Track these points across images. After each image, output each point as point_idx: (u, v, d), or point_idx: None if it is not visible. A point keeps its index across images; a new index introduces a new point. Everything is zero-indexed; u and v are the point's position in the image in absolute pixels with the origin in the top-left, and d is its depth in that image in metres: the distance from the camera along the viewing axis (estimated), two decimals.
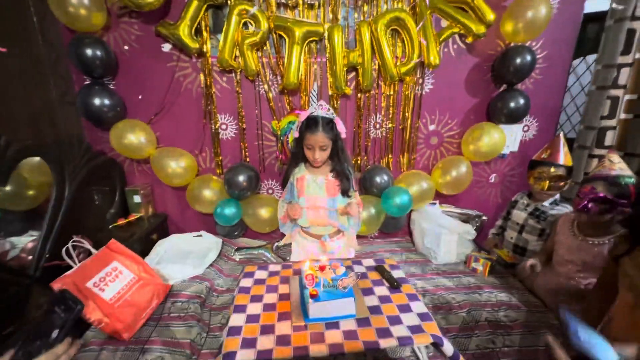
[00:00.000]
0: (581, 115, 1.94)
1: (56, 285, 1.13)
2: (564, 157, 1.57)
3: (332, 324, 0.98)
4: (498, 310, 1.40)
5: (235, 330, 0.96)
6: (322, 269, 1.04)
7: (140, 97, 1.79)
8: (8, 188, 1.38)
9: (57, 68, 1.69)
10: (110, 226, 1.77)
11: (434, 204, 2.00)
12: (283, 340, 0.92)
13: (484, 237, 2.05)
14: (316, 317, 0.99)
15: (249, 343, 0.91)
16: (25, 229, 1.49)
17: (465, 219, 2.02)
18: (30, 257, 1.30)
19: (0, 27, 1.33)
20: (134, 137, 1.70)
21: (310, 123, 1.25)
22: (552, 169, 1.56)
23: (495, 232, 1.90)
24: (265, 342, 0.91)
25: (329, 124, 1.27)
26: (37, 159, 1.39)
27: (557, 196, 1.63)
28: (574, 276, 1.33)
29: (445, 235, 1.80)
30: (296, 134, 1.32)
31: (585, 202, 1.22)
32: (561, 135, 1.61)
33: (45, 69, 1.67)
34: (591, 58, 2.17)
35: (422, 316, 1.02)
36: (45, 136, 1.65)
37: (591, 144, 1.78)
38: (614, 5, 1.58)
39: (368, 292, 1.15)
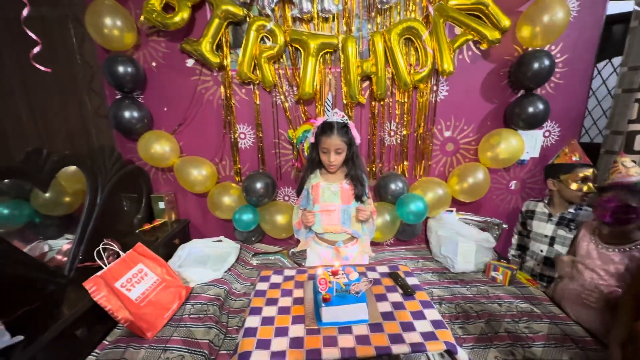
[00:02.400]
0: (607, 119, 1.87)
1: (88, 284, 1.21)
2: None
3: (345, 328, 0.99)
4: (519, 321, 1.35)
5: (250, 332, 1.00)
6: (334, 273, 1.07)
7: (165, 109, 1.91)
8: (47, 195, 1.50)
9: (92, 85, 1.85)
10: (137, 230, 1.87)
11: (451, 211, 1.98)
12: (296, 342, 0.94)
13: (504, 246, 1.98)
14: (329, 321, 1.01)
15: (264, 344, 0.94)
16: (62, 233, 1.62)
17: (485, 227, 1.98)
18: (65, 259, 1.41)
19: (46, 49, 1.47)
20: (159, 147, 1.81)
21: (326, 127, 1.30)
22: (593, 170, 1.50)
23: (515, 253, 1.84)
24: (279, 344, 0.94)
25: (344, 128, 1.31)
26: (73, 167, 1.52)
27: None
28: (596, 284, 1.27)
29: (462, 243, 1.77)
30: (312, 139, 1.37)
31: (610, 212, 1.17)
32: (574, 141, 1.58)
33: (82, 86, 1.83)
34: (617, 60, 2.09)
35: (436, 323, 1.01)
36: (81, 147, 1.80)
37: (619, 149, 1.71)
38: (636, 7, 1.53)
39: (381, 298, 1.16)
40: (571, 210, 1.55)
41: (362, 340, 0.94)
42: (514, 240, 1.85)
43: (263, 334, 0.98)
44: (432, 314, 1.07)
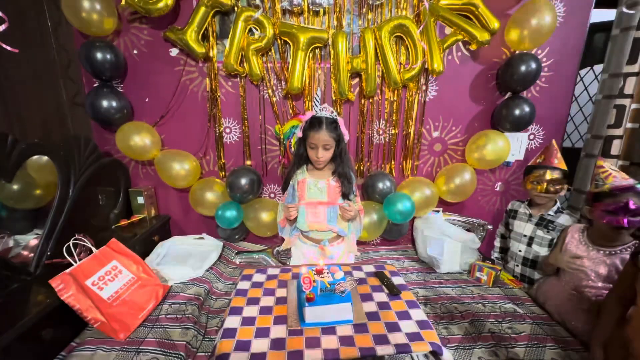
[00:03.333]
0: (588, 124, 1.91)
1: (55, 282, 1.13)
2: (558, 161, 1.54)
3: (329, 329, 0.96)
4: (502, 322, 1.35)
5: (229, 333, 0.95)
6: (319, 272, 1.03)
7: (147, 100, 1.83)
8: (15, 187, 1.40)
9: (68, 71, 1.74)
10: (114, 226, 1.78)
11: (437, 211, 1.98)
12: (278, 344, 0.90)
13: (488, 247, 2.00)
14: (312, 321, 0.97)
15: (243, 346, 0.90)
16: (31, 227, 1.52)
17: (470, 228, 1.99)
18: (31, 255, 1.31)
19: (17, 31, 1.37)
20: (139, 139, 1.73)
21: (314, 122, 1.27)
22: (548, 172, 1.53)
23: (498, 255, 1.86)
24: (260, 346, 0.90)
25: (333, 123, 1.28)
26: (45, 158, 1.42)
27: (558, 203, 1.59)
28: (584, 287, 1.29)
29: (448, 243, 1.77)
30: (299, 134, 1.33)
31: (626, 217, 1.16)
32: (553, 141, 1.59)
33: (57, 72, 1.73)
34: (598, 68, 2.15)
35: (422, 324, 0.99)
36: (54, 136, 1.69)
37: (598, 153, 1.75)
38: (624, 9, 1.56)
39: (367, 297, 1.13)
40: (551, 212, 1.58)
41: (346, 341, 0.91)
42: (497, 243, 1.87)
43: (243, 335, 0.94)
44: (418, 314, 1.05)
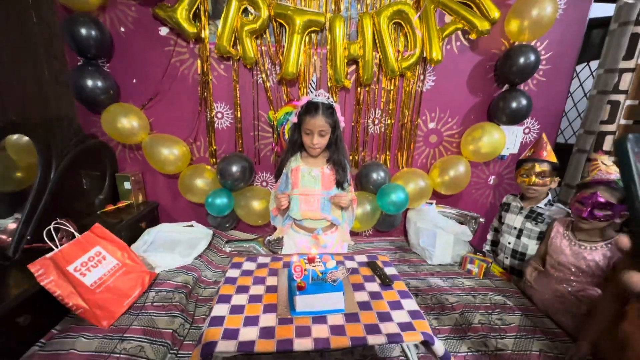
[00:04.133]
0: (582, 120, 1.92)
1: (34, 267, 1.08)
2: (547, 154, 1.54)
3: (319, 318, 0.94)
4: (492, 313, 1.36)
5: (217, 321, 0.92)
6: (311, 260, 1.01)
7: (135, 80, 1.75)
8: None
9: (50, 47, 1.65)
10: (99, 212, 1.72)
11: (431, 203, 1.97)
12: (267, 332, 0.88)
13: (479, 239, 2.01)
14: (303, 310, 0.95)
15: (231, 334, 0.87)
16: (12, 211, 1.45)
17: (462, 220, 1.99)
18: (9, 239, 1.25)
19: None
20: (126, 122, 1.66)
21: (310, 107, 1.23)
22: (537, 165, 1.53)
23: (489, 248, 1.86)
24: (248, 334, 0.87)
25: (329, 109, 1.25)
26: (25, 139, 1.35)
27: (550, 197, 1.59)
28: (568, 281, 1.30)
29: (441, 235, 1.77)
30: (294, 120, 1.29)
31: (589, 208, 1.18)
32: (543, 135, 1.59)
33: (39, 48, 1.63)
34: (595, 64, 2.15)
35: (413, 314, 0.98)
36: (35, 116, 1.60)
37: (590, 149, 1.75)
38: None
39: (359, 287, 1.11)
40: (541, 205, 1.58)
41: (337, 330, 0.89)
42: (489, 236, 1.87)
43: (231, 323, 0.91)
44: (410, 304, 1.03)
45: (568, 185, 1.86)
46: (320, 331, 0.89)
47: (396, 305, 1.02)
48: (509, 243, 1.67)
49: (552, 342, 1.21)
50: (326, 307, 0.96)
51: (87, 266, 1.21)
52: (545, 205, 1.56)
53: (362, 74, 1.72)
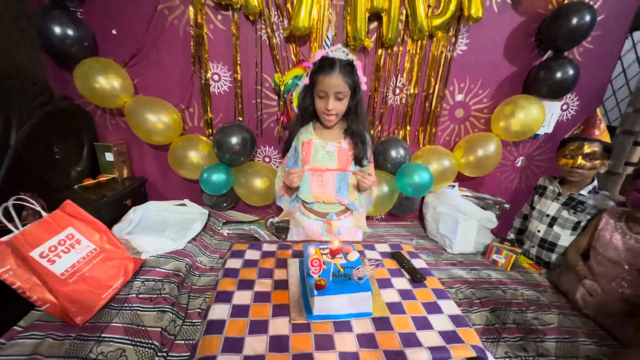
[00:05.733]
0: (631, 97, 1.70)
1: None
2: (600, 132, 1.32)
3: (343, 324, 0.76)
4: (526, 311, 1.20)
5: (215, 326, 0.73)
6: (334, 253, 0.81)
7: (114, 31, 1.47)
8: None
9: None
10: (76, 186, 1.49)
11: (453, 186, 1.77)
12: (279, 343, 0.69)
13: (501, 228, 1.84)
14: (322, 313, 0.76)
15: (234, 345, 0.68)
16: None
17: (484, 206, 1.80)
18: None
19: None
20: (104, 81, 1.39)
21: (325, 63, 0.99)
22: (586, 145, 1.31)
23: (514, 237, 1.68)
24: (256, 345, 0.69)
25: (348, 66, 1.00)
26: None
27: (595, 183, 1.40)
28: (618, 280, 1.14)
29: (463, 222, 1.59)
30: (306, 81, 1.05)
31: None
32: (598, 110, 1.36)
33: None
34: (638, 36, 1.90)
35: (456, 320, 0.80)
36: None
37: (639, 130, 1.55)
38: None
39: (385, 284, 0.93)
40: (583, 192, 1.38)
41: (367, 341, 0.71)
42: (516, 223, 1.70)
43: (233, 330, 0.72)
44: (449, 306, 0.85)
45: (609, 172, 1.67)
46: (345, 342, 0.71)
47: (433, 308, 0.84)
48: (539, 231, 1.50)
49: (598, 346, 1.06)
50: (350, 310, 0.78)
51: (57, 251, 1.00)
52: (589, 192, 1.37)
53: (385, 32, 1.45)
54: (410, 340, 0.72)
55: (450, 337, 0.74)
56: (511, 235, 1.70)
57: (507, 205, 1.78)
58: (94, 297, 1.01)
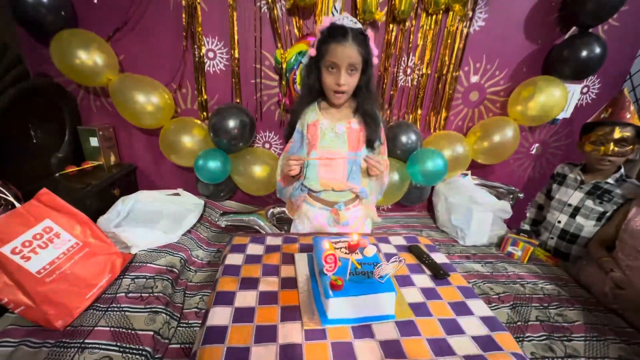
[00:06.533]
0: None
1: None
2: (631, 115, 1.20)
3: (363, 329, 0.66)
4: (548, 307, 1.12)
5: (215, 334, 0.63)
6: (352, 249, 0.70)
7: (96, 0, 1.31)
8: None
9: None
10: (57, 174, 1.36)
11: (466, 174, 1.67)
12: (291, 354, 0.59)
13: (514, 218, 1.75)
14: (338, 317, 0.67)
15: (238, 357, 0.58)
16: None
17: (496, 195, 1.71)
18: None
19: None
20: (86, 56, 1.25)
21: (337, 31, 0.87)
22: (617, 129, 1.20)
23: (528, 228, 1.59)
24: (264, 357, 0.58)
25: (361, 35, 0.88)
26: None
27: (622, 170, 1.31)
28: None
29: (477, 212, 1.49)
30: (312, 52, 0.92)
31: None
32: (625, 90, 1.24)
33: None
34: None
35: (490, 323, 0.71)
36: None
37: None
38: None
39: (405, 282, 0.84)
40: (610, 180, 1.29)
41: (392, 349, 0.62)
42: (530, 214, 1.61)
43: (237, 339, 0.62)
44: (480, 307, 0.77)
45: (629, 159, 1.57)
46: (368, 351, 0.61)
47: (462, 309, 0.75)
48: (559, 222, 1.41)
49: (628, 345, 0.99)
50: (371, 313, 0.68)
51: (32, 247, 0.88)
52: (616, 181, 1.28)
53: (398, 3, 1.32)
54: (442, 348, 0.63)
55: (486, 344, 0.65)
56: (525, 226, 1.61)
57: (521, 195, 1.69)
58: (76, 298, 0.89)
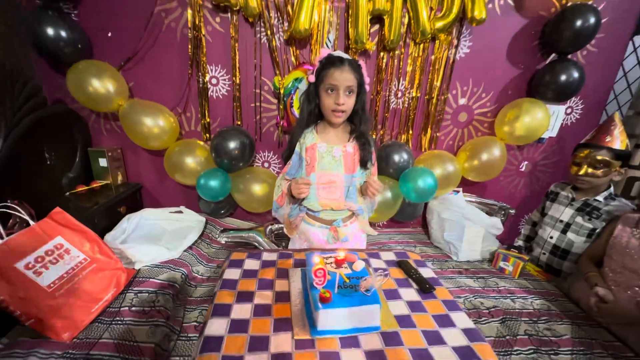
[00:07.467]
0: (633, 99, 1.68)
1: None
2: (611, 139, 1.27)
3: (349, 339, 0.70)
4: (537, 321, 1.15)
5: (212, 343, 0.68)
6: (339, 263, 0.76)
7: (109, 34, 1.43)
8: None
9: None
10: (68, 193, 1.44)
11: (457, 191, 1.73)
12: None
13: (506, 233, 1.79)
14: (327, 329, 0.71)
15: None
16: None
17: (488, 211, 1.76)
18: None
19: None
20: (99, 84, 1.35)
21: (334, 59, 0.98)
22: (593, 153, 1.28)
23: (522, 244, 1.63)
24: None
25: (355, 64, 1.00)
26: None
27: (612, 189, 1.36)
28: (635, 289, 1.09)
29: (469, 228, 1.54)
30: (311, 78, 1.01)
31: None
32: (616, 115, 1.32)
33: None
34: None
35: (470, 334, 0.75)
36: None
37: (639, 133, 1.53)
38: None
39: (392, 295, 0.88)
40: (599, 198, 1.34)
41: (375, 358, 0.66)
42: (525, 230, 1.65)
43: (232, 348, 0.67)
44: (462, 319, 0.81)
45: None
46: (353, 359, 0.65)
47: (445, 321, 0.79)
48: (551, 237, 1.45)
49: (615, 358, 1.01)
50: (358, 324, 0.73)
51: (44, 262, 0.94)
52: (605, 199, 1.33)
53: (387, 35, 1.43)
54: (423, 357, 0.67)
55: (465, 354, 0.69)
56: (519, 242, 1.65)
57: (512, 211, 1.74)
58: (82, 311, 0.95)
